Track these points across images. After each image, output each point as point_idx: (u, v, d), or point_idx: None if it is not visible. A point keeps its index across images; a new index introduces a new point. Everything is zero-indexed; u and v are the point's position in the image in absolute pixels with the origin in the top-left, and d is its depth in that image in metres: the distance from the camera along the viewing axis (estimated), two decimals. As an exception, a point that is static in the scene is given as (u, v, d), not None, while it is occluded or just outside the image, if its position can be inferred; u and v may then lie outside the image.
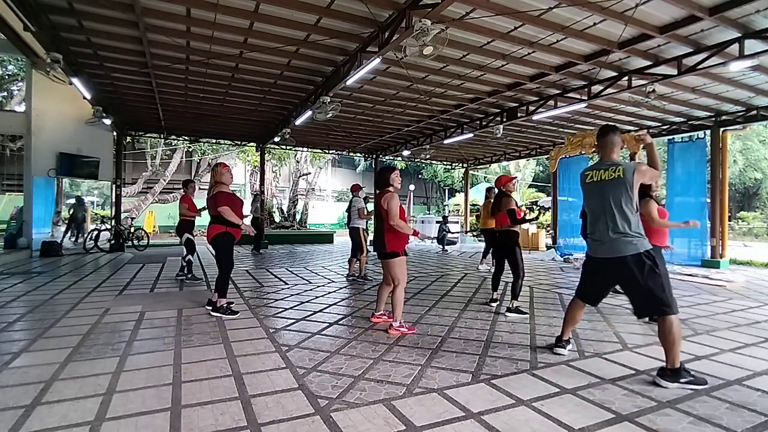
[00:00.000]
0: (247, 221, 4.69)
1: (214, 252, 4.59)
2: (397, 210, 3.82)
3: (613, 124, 3.46)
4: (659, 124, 11.17)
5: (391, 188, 3.96)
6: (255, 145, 15.22)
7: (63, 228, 11.64)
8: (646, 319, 4.34)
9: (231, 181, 4.59)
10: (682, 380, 2.68)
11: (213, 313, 4.32)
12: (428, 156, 16.39)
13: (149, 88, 8.71)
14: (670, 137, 10.78)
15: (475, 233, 17.45)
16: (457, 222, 17.00)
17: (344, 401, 2.41)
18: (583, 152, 10.82)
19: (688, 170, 9.94)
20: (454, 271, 8.30)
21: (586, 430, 2.14)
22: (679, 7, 5.14)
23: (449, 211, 26.62)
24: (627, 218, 2.81)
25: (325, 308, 4.82)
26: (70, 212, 11.67)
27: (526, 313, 4.54)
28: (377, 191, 4.13)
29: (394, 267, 3.87)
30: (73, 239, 12.03)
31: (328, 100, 7.68)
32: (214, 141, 15.49)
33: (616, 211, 2.83)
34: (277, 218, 20.80)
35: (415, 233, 4.09)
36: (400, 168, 6.90)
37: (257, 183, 16.11)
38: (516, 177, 5.77)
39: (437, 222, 15.00)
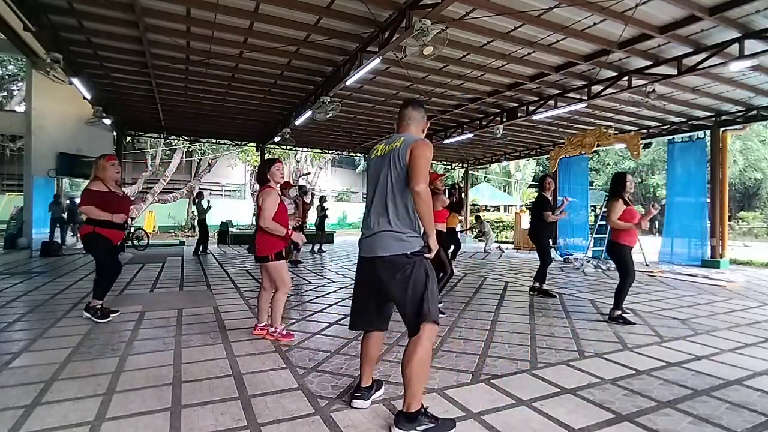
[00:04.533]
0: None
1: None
2: (272, 209, 3.41)
3: (419, 98, 3.03)
4: (659, 124, 11.18)
5: (271, 183, 3.55)
6: (255, 145, 15.24)
7: (58, 229, 11.54)
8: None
9: (116, 177, 4.04)
10: (419, 427, 2.02)
11: (85, 313, 4.08)
12: (428, 156, 16.36)
13: (149, 88, 8.72)
14: (670, 137, 10.78)
15: (474, 234, 17.48)
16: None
17: (344, 401, 2.41)
18: (583, 152, 10.84)
19: (688, 170, 9.95)
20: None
21: (586, 430, 2.14)
22: (679, 7, 5.14)
23: (449, 211, 26.54)
24: (394, 205, 2.10)
25: (325, 308, 4.82)
26: (49, 212, 11.42)
27: (443, 313, 4.41)
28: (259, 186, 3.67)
29: (271, 272, 3.55)
30: (58, 237, 11.82)
31: (328, 100, 7.68)
32: (214, 141, 15.50)
33: (383, 194, 2.14)
34: (277, 218, 20.76)
35: (288, 236, 3.50)
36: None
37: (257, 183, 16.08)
38: (445, 174, 5.79)
39: (437, 222, 14.97)
